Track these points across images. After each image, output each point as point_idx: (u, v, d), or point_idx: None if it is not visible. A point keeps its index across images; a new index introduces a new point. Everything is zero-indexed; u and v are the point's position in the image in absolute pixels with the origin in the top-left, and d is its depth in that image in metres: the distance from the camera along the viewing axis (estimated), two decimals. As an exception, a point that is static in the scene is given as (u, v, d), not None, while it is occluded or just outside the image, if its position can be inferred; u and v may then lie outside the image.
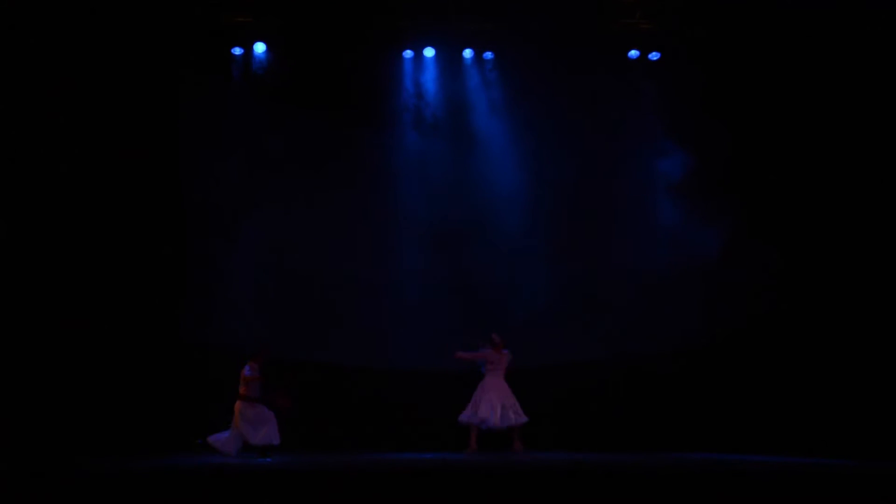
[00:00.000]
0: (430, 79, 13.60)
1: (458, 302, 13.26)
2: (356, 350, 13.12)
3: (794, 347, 12.70)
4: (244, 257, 13.00)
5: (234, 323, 12.74)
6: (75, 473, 8.69)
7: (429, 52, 13.52)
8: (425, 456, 11.29)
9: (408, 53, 13.54)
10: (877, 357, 12.16)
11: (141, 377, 12.35)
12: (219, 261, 12.93)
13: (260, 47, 13.17)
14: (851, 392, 12.14)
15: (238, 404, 11.03)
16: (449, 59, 13.60)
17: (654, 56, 13.56)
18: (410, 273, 13.26)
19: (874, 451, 10.96)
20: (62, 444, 11.32)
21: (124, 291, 12.44)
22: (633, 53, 13.53)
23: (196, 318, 12.87)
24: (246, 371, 11.02)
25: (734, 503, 8.11)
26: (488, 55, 13.59)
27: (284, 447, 11.17)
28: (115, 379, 12.16)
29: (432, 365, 12.87)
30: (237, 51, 13.18)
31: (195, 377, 12.58)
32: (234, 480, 8.51)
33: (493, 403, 11.57)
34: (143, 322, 12.53)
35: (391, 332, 13.19)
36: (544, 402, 12.59)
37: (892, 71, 12.30)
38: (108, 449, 11.39)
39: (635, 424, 13.06)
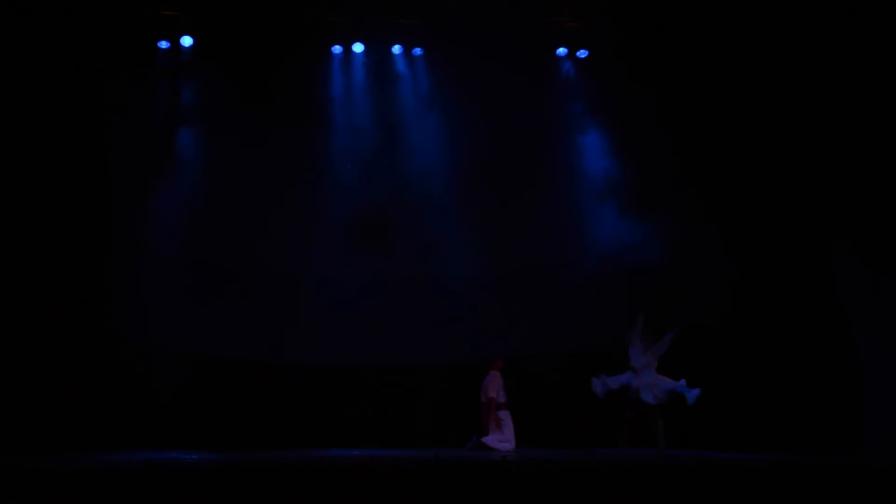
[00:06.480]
0: (358, 74, 13.58)
1: (386, 298, 13.31)
2: (282, 345, 13.07)
3: (719, 348, 12.70)
4: (167, 251, 12.84)
5: (159, 315, 12.65)
6: None
7: (357, 48, 13.51)
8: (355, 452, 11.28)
9: (336, 49, 13.51)
10: (807, 354, 12.19)
11: (61, 368, 12.08)
12: (144, 253, 12.77)
13: (186, 41, 13.03)
14: (771, 390, 12.27)
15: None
16: (378, 54, 13.61)
17: (582, 54, 13.72)
18: (339, 268, 13.24)
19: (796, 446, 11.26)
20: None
21: (47, 280, 12.20)
22: (562, 51, 13.70)
23: (119, 308, 12.68)
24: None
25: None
26: (417, 51, 13.62)
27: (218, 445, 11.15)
28: (31, 370, 11.89)
29: (360, 361, 12.97)
30: (163, 44, 13.03)
31: (118, 369, 12.41)
32: (159, 478, 8.41)
33: None
34: (65, 311, 12.27)
35: (320, 327, 13.13)
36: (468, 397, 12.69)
37: (827, 66, 12.00)
38: (23, 446, 11.06)
39: (561, 420, 13.14)
